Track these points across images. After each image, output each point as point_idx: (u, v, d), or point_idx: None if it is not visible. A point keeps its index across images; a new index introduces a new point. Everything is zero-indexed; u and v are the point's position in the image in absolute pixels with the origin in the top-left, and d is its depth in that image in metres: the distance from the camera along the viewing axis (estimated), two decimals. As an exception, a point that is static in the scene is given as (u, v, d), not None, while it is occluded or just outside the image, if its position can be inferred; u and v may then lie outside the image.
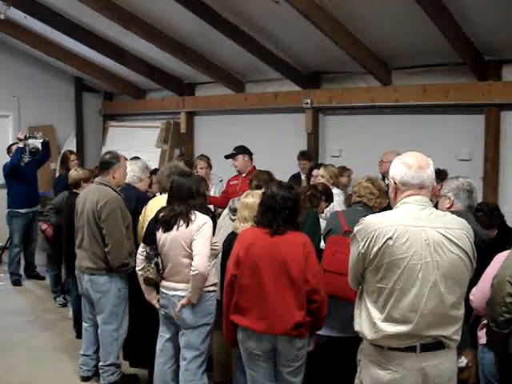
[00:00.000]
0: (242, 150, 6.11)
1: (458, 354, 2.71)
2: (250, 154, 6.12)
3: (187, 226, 3.51)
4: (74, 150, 8.74)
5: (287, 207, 3.20)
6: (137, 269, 3.76)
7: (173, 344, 3.76)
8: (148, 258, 3.67)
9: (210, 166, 6.48)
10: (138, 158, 5.57)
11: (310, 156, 6.74)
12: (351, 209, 4.13)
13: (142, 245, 3.78)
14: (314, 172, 5.61)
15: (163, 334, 3.79)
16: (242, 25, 6.24)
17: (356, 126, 6.92)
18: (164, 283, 3.68)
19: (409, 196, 2.47)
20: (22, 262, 7.36)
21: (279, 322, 3.11)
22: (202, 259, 3.45)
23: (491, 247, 3.29)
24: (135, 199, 4.54)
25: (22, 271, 7.33)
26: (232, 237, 3.67)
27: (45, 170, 8.27)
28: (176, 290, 3.60)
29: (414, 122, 6.34)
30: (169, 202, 3.66)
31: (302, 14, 5.17)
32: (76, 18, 7.20)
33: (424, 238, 2.37)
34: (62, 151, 8.03)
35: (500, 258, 2.92)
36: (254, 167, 5.99)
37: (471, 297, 2.96)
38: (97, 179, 4.34)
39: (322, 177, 5.28)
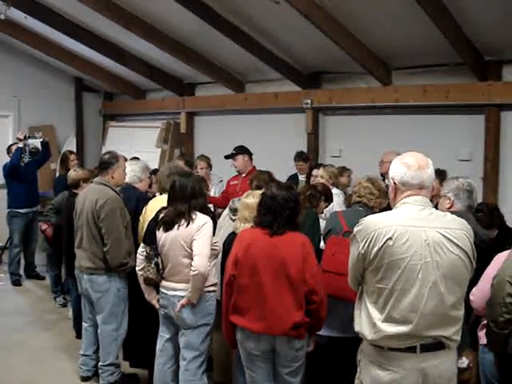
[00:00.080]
0: (241, 150, 6.11)
1: (459, 354, 2.71)
2: (250, 154, 6.12)
3: (187, 225, 3.52)
4: (74, 150, 8.75)
5: (288, 208, 3.20)
6: (137, 269, 3.76)
7: (173, 344, 3.76)
8: (148, 258, 3.67)
9: (210, 167, 6.48)
10: (138, 158, 5.58)
11: (307, 157, 6.74)
12: (351, 209, 4.13)
13: (142, 245, 3.78)
14: (314, 172, 5.61)
15: (163, 334, 3.79)
16: (242, 25, 6.24)
17: (356, 126, 6.92)
18: (164, 283, 3.67)
19: (408, 196, 2.47)
20: (22, 262, 7.36)
21: (277, 322, 3.10)
22: (202, 259, 3.45)
23: (491, 247, 3.29)
24: (135, 199, 4.54)
25: (21, 271, 7.33)
26: (232, 237, 3.66)
27: (45, 170, 8.27)
28: (176, 290, 3.60)
29: (414, 122, 6.34)
30: (169, 202, 3.66)
31: (302, 14, 5.16)
32: (76, 18, 7.21)
33: (424, 239, 2.37)
34: (62, 151, 8.04)
35: (500, 258, 2.92)
36: (254, 167, 5.99)
37: (471, 297, 2.96)
38: (96, 179, 4.35)
39: (322, 177, 5.28)
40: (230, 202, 4.25)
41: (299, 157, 6.65)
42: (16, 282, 7.14)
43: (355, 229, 2.52)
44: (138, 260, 3.75)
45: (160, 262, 3.64)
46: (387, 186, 3.26)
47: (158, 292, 3.75)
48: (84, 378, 4.45)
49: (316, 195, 4.51)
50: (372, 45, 5.92)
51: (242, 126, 7.94)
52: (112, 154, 4.37)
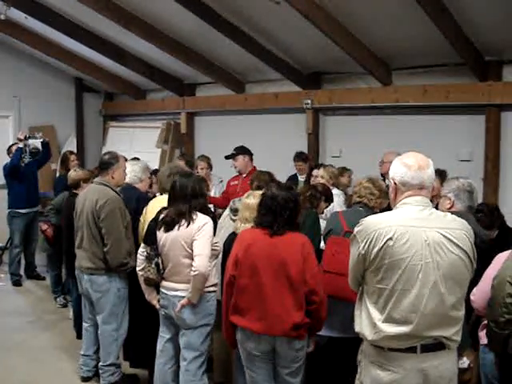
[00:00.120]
0: (242, 150, 6.11)
1: (459, 354, 2.71)
2: (251, 155, 6.12)
3: (188, 226, 3.52)
4: (75, 150, 8.74)
5: (288, 208, 3.19)
6: (137, 269, 3.76)
7: (173, 344, 3.76)
8: (148, 258, 3.66)
9: (210, 167, 6.48)
10: (138, 158, 5.58)
11: (307, 157, 6.74)
12: (351, 209, 4.12)
13: (142, 245, 3.78)
14: (314, 172, 5.61)
15: (163, 335, 3.79)
16: (242, 25, 6.24)
17: (356, 127, 6.92)
18: (164, 283, 3.68)
19: (409, 196, 2.47)
20: (23, 262, 7.36)
21: (277, 322, 3.10)
22: (202, 260, 3.45)
23: (491, 248, 3.29)
24: (135, 199, 4.55)
25: (22, 271, 7.34)
26: (233, 237, 3.66)
27: (45, 171, 8.27)
28: (176, 291, 3.60)
29: (415, 122, 6.33)
30: (170, 202, 3.66)
31: (302, 14, 5.17)
32: (76, 18, 7.21)
33: (424, 239, 2.37)
34: (63, 151, 8.05)
35: (500, 259, 2.92)
36: (255, 168, 5.99)
37: (472, 297, 2.96)
38: (96, 179, 4.36)
39: (322, 177, 5.28)
40: (231, 202, 4.25)
41: (299, 157, 6.65)
42: (16, 283, 7.14)
43: (355, 229, 2.52)
44: (138, 260, 3.75)
45: (160, 262, 3.64)
46: (387, 186, 3.26)
47: (158, 292, 3.75)
48: (84, 379, 4.45)
49: (316, 195, 4.51)
50: (372, 45, 5.92)
51: (243, 127, 7.94)
52: (112, 154, 4.38)
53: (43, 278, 7.30)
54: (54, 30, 7.39)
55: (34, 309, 6.34)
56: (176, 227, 3.54)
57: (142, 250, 3.73)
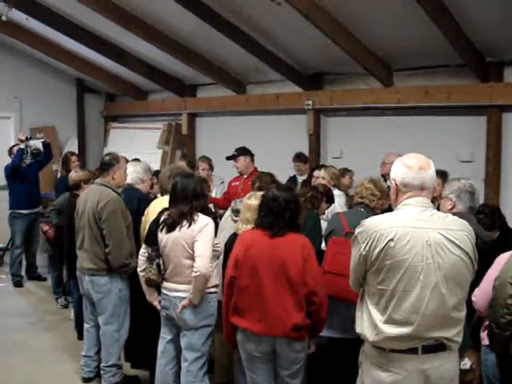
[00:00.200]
0: (243, 151, 6.11)
1: (461, 355, 2.70)
2: (252, 156, 6.12)
3: (189, 226, 3.51)
4: (76, 151, 8.72)
5: (289, 209, 3.19)
6: (138, 270, 3.76)
7: (174, 345, 3.76)
8: (149, 259, 3.66)
9: (211, 168, 6.48)
10: (138, 159, 5.58)
11: (306, 158, 6.73)
12: (353, 210, 4.12)
13: (143, 246, 3.78)
14: (315, 173, 5.60)
15: (164, 336, 3.79)
16: (242, 25, 6.24)
17: (357, 128, 6.91)
18: (165, 284, 3.68)
19: (410, 197, 2.47)
20: (24, 263, 7.37)
21: (277, 323, 3.10)
22: (204, 261, 3.45)
23: (493, 249, 3.29)
24: (137, 200, 4.55)
25: (23, 272, 7.34)
26: (234, 238, 3.66)
27: (47, 172, 8.27)
28: (177, 291, 3.60)
29: (416, 123, 6.33)
30: (171, 203, 3.66)
31: (302, 14, 5.17)
32: (76, 18, 7.21)
33: (425, 240, 2.37)
34: (64, 152, 8.05)
35: (502, 260, 2.92)
36: (256, 169, 5.99)
37: (473, 298, 2.96)
38: (97, 180, 4.36)
39: (323, 178, 5.27)
40: (232, 203, 4.25)
41: (298, 158, 6.66)
42: (17, 283, 7.15)
43: (356, 230, 2.52)
44: (139, 261, 3.75)
45: (161, 263, 3.64)
46: (389, 187, 3.26)
47: (159, 293, 3.76)
48: (86, 379, 4.45)
49: (317, 196, 4.50)
50: (372, 45, 5.91)
51: (244, 128, 7.94)
52: (113, 155, 4.38)
53: (44, 279, 7.30)
54: (55, 31, 7.39)
55: (35, 310, 6.34)
56: (177, 228, 3.54)
57: (144, 251, 3.73)
